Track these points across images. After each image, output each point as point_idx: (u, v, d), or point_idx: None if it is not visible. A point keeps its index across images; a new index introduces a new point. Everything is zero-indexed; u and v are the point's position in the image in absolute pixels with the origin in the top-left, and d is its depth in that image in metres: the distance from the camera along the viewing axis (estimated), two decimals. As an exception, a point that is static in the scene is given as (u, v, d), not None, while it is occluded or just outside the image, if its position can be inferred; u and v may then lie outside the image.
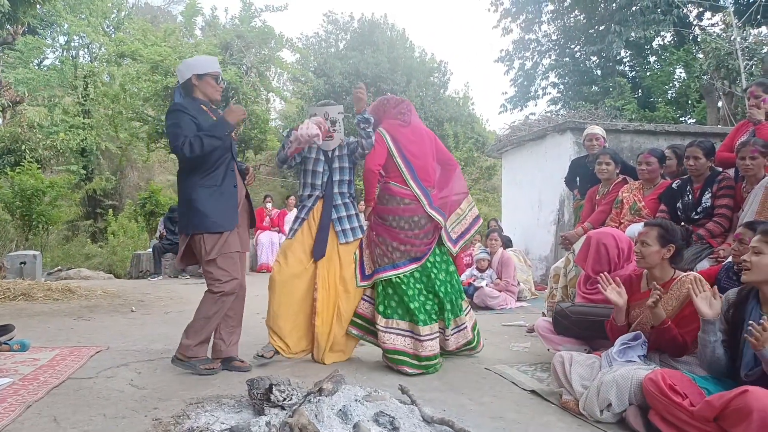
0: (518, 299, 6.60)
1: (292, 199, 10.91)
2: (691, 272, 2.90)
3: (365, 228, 3.78)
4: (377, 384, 3.03)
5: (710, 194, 3.78)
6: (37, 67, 17.43)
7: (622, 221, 4.24)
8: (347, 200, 3.70)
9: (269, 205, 10.66)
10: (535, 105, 19.56)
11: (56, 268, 10.77)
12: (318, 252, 3.57)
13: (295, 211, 10.36)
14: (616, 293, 2.84)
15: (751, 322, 2.20)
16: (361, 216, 3.82)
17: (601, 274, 2.97)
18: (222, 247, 3.28)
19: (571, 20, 16.40)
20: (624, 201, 4.30)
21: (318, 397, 2.44)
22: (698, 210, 3.81)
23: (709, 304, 2.44)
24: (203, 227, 3.27)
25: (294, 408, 2.35)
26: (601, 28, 15.07)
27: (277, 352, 3.57)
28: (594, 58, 15.97)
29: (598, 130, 5.34)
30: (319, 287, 3.56)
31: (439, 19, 49.26)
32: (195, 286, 8.00)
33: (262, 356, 3.53)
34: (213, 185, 3.29)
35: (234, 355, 3.47)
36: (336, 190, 3.66)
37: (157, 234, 10.04)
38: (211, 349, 3.43)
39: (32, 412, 2.61)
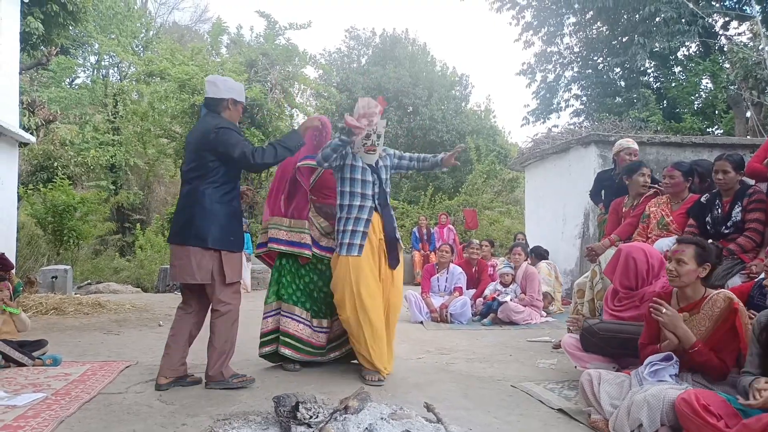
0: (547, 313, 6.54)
1: None
2: (723, 290, 2.84)
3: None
4: (402, 401, 3.01)
5: (740, 208, 3.69)
6: (69, 86, 18.01)
7: (649, 236, 4.17)
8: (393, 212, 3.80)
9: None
10: (558, 117, 19.34)
11: (86, 282, 11.01)
12: (395, 261, 3.65)
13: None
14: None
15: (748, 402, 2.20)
16: None
17: (654, 302, 2.78)
18: (237, 272, 3.37)
19: (594, 32, 16.31)
20: (651, 215, 4.23)
21: (344, 415, 2.45)
22: (728, 224, 3.73)
23: None
24: (228, 247, 3.33)
25: (320, 426, 2.36)
26: (624, 39, 14.96)
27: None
28: (617, 70, 15.82)
29: (633, 143, 5.27)
30: (384, 303, 3.65)
31: (461, 33, 49.46)
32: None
33: (379, 379, 3.52)
34: (234, 206, 3.39)
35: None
36: (388, 202, 3.74)
37: None
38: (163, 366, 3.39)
39: (65, 428, 2.66)
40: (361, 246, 3.53)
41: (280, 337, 3.82)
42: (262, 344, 3.90)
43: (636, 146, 5.26)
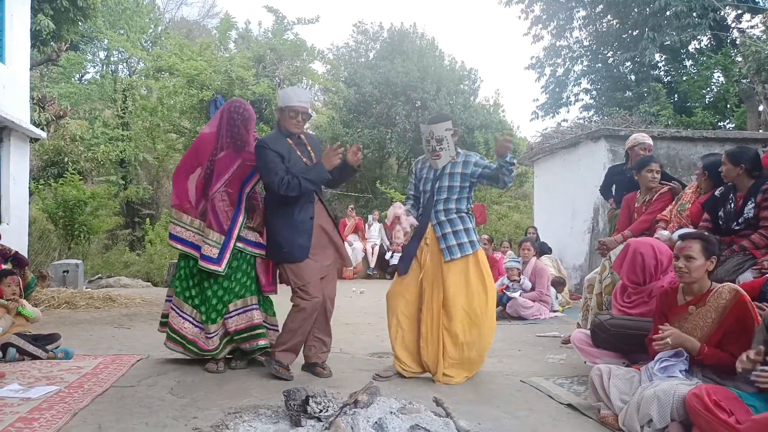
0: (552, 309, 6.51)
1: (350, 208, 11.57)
2: (728, 283, 2.82)
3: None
4: (411, 396, 3.03)
5: (753, 204, 3.64)
6: (78, 82, 18.10)
7: (671, 216, 4.19)
8: (453, 216, 3.51)
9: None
10: (567, 112, 19.24)
11: (97, 276, 11.11)
12: (401, 268, 3.61)
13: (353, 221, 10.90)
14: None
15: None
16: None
17: (660, 327, 2.73)
18: (301, 277, 3.46)
19: (604, 26, 16.15)
20: (683, 196, 4.24)
21: (354, 409, 2.47)
22: (740, 220, 3.68)
23: None
24: (279, 259, 3.56)
25: (330, 420, 2.37)
26: (634, 33, 14.81)
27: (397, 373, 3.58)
28: (628, 64, 15.67)
29: (647, 138, 5.23)
30: (424, 309, 3.49)
31: (469, 26, 49.17)
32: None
33: (378, 375, 3.53)
34: (288, 216, 3.47)
35: (318, 361, 3.65)
36: (441, 207, 3.51)
37: None
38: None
39: (78, 420, 2.69)
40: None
41: (168, 332, 3.73)
42: (163, 324, 3.88)
43: (650, 141, 5.20)
